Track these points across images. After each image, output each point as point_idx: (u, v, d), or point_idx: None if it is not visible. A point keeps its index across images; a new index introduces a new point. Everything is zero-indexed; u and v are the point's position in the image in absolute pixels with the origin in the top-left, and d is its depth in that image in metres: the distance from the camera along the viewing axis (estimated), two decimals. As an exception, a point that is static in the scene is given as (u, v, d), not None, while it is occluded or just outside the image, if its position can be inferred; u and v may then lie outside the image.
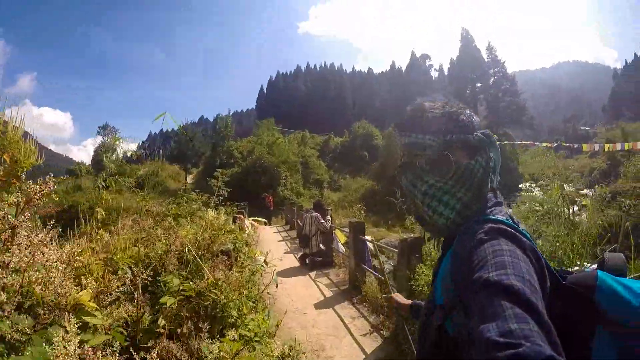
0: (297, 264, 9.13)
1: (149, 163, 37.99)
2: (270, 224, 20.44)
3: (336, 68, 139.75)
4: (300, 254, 9.24)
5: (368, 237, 7.06)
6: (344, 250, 9.09)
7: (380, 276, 6.17)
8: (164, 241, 3.71)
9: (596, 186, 26.37)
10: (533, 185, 48.57)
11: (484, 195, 1.04)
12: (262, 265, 4.88)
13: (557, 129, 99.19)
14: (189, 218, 6.00)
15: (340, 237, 9.22)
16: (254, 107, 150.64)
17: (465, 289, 0.78)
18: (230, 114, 37.93)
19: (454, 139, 1.04)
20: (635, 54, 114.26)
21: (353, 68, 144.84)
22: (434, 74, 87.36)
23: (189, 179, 35.78)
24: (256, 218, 12.41)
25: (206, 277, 3.11)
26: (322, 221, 8.87)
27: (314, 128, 60.95)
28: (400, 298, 1.79)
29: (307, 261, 8.66)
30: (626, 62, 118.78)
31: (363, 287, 6.36)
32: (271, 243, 12.59)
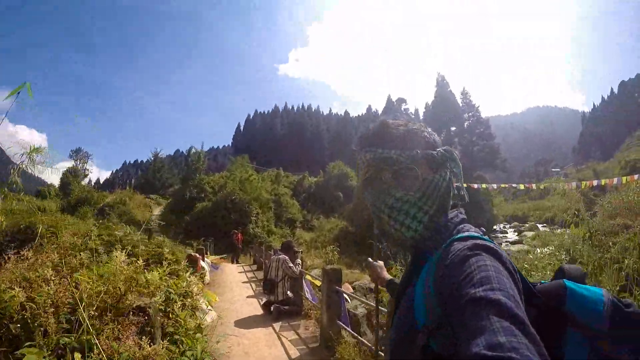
0: (260, 311, 7.85)
1: (119, 192, 36.59)
2: (237, 262, 19.10)
3: (313, 110, 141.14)
4: (265, 300, 8.00)
5: (347, 288, 5.95)
6: (317, 299, 8.01)
7: (359, 338, 5.12)
8: (52, 287, 2.56)
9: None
10: (508, 226, 49.18)
11: (448, 209, 1.08)
12: (212, 317, 3.81)
13: (528, 172, 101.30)
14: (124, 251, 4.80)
15: (314, 282, 8.10)
16: (230, 144, 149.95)
17: (452, 307, 0.78)
18: (207, 149, 37.30)
19: (419, 154, 1.06)
20: (602, 97, 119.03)
21: (330, 110, 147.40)
22: (410, 117, 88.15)
23: (157, 211, 34.48)
24: (221, 256, 11.21)
25: (97, 352, 1.95)
26: (291, 265, 7.67)
27: (289, 168, 60.32)
28: (383, 269, 1.85)
29: (272, 310, 7.38)
30: (594, 105, 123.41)
31: (337, 348, 5.21)
32: (234, 285, 11.36)
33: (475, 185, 35.92)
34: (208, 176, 37.31)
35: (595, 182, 26.54)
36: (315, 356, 5.31)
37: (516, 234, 42.74)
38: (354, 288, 15.90)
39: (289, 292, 7.58)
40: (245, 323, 6.87)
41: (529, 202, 66.68)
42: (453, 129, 66.33)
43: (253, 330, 6.41)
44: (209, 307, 6.10)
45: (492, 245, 0.88)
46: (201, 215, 27.76)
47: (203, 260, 9.88)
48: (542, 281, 1.08)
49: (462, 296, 0.74)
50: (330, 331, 5.49)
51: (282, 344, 5.79)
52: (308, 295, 7.80)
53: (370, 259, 2.09)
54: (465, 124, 64.57)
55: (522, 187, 30.25)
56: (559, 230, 39.31)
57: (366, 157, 1.10)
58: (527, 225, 48.88)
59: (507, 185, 32.64)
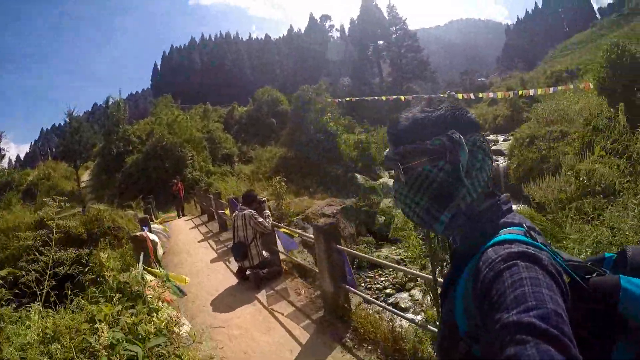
0: (233, 279, 6.61)
1: (41, 165, 32.81)
2: (184, 214, 17.55)
3: (232, 37, 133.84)
4: (238, 266, 6.62)
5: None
6: (295, 243, 6.84)
7: (386, 307, 4.19)
8: None
9: (514, 133, 27.52)
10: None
11: (467, 198, 1.04)
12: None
13: (454, 82, 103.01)
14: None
15: (291, 233, 6.87)
16: (150, 87, 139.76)
17: (489, 327, 0.75)
18: (125, 97, 33.67)
19: (401, 150, 1.09)
20: (526, 10, 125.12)
21: (250, 36, 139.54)
22: (335, 34, 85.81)
23: (86, 176, 31.20)
24: (168, 214, 9.64)
25: None
26: (260, 219, 6.28)
27: (215, 102, 57.33)
28: None
29: (250, 276, 6.20)
30: (518, 18, 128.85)
31: (353, 316, 4.29)
32: (191, 247, 9.94)
33: (412, 96, 36.12)
34: (132, 126, 34.02)
35: (532, 92, 27.37)
36: (327, 334, 4.24)
37: (450, 141, 43.51)
38: (306, 216, 15.08)
39: (264, 253, 6.33)
40: (224, 302, 5.65)
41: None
42: (380, 42, 65.37)
43: (238, 312, 5.21)
44: (180, 293, 4.77)
45: (530, 250, 0.83)
46: (133, 170, 25.21)
47: (151, 231, 8.24)
48: (608, 254, 1.06)
49: (497, 321, 0.72)
50: (340, 299, 4.42)
51: (281, 323, 4.66)
52: (281, 246, 6.65)
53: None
54: (393, 36, 63.47)
55: (460, 96, 30.26)
56: (491, 136, 41.20)
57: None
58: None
59: (446, 94, 32.57)
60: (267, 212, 6.71)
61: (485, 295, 0.80)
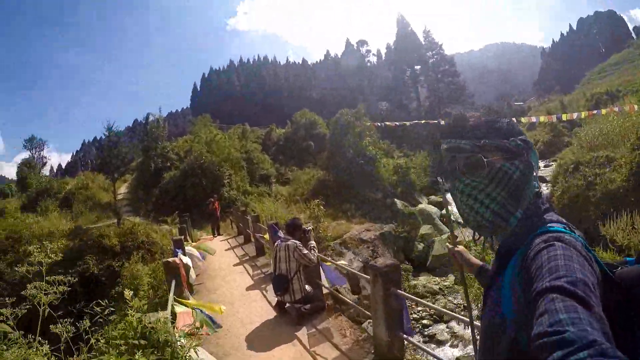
0: (270, 311, 6.10)
1: (81, 175, 33.59)
2: (219, 233, 17.28)
3: (270, 61, 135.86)
4: (276, 300, 6.05)
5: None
6: (344, 279, 6.37)
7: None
8: None
9: (557, 158, 26.63)
10: None
11: (530, 200, 1.13)
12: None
13: (491, 107, 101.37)
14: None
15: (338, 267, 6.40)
16: (189, 106, 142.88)
17: (529, 300, 0.83)
18: (165, 114, 34.40)
19: (487, 143, 1.12)
20: (561, 33, 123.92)
21: (287, 60, 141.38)
22: (373, 59, 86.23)
23: (124, 189, 31.56)
24: (204, 245, 9.33)
25: None
26: (305, 252, 5.73)
27: (253, 124, 57.90)
28: (467, 254, 1.77)
29: (290, 311, 5.62)
30: (553, 40, 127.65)
31: None
32: (226, 270, 9.51)
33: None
34: (171, 143, 34.55)
35: (575, 115, 26.43)
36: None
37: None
38: (344, 241, 14.60)
39: (307, 287, 5.82)
40: (260, 338, 5.15)
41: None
42: (417, 67, 65.01)
43: (276, 352, 4.69)
44: (214, 325, 4.36)
45: (567, 235, 0.94)
46: (170, 186, 25.45)
47: (185, 254, 7.86)
48: (628, 258, 1.11)
49: (533, 290, 0.81)
50: (394, 349, 3.92)
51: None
52: (325, 280, 6.18)
53: (448, 244, 1.87)
54: (430, 61, 63.09)
55: (523, 120, 29.45)
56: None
57: (443, 147, 1.21)
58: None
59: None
60: (313, 243, 6.15)
61: (527, 271, 0.90)
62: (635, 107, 16.61)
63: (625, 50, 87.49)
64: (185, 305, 4.10)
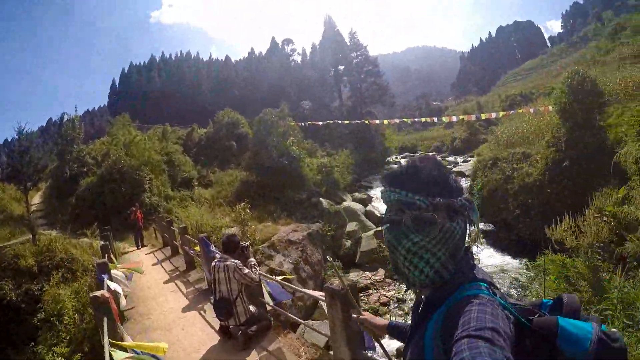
0: (213, 335, 5.77)
1: None
2: (143, 245, 16.34)
3: (192, 57, 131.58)
4: (219, 324, 5.68)
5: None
6: (287, 293, 6.14)
7: None
8: None
9: (474, 154, 28.60)
10: (399, 157, 51.12)
11: (462, 256, 1.17)
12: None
13: (410, 106, 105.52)
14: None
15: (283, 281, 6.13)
16: (107, 104, 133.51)
17: (449, 352, 0.89)
18: (80, 113, 31.60)
19: (440, 202, 1.11)
20: (480, 39, 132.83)
21: (210, 56, 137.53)
22: (297, 58, 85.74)
23: (37, 198, 28.86)
24: (132, 268, 8.62)
25: None
26: (246, 271, 5.34)
27: (174, 122, 55.74)
28: (373, 318, 1.87)
29: (237, 335, 5.35)
30: (472, 46, 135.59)
31: None
32: (157, 290, 8.84)
33: (374, 122, 36.32)
34: (87, 146, 31.74)
35: (494, 115, 28.18)
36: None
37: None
38: (272, 243, 14.39)
39: (251, 308, 5.50)
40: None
41: (414, 133, 69.92)
42: (341, 67, 65.74)
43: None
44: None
45: (485, 295, 1.03)
46: (87, 194, 23.39)
47: (111, 279, 7.07)
48: (545, 300, 1.22)
49: (459, 334, 0.89)
50: None
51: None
52: (268, 297, 5.94)
53: (354, 315, 2.01)
54: (354, 62, 64.07)
55: (444, 118, 30.63)
56: (450, 157, 42.02)
57: (390, 197, 1.18)
58: (417, 154, 50.83)
59: (410, 120, 32.99)
60: (253, 260, 5.79)
61: (449, 331, 0.96)
62: (550, 108, 17.92)
63: (539, 56, 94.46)
64: (125, 350, 3.67)
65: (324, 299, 4.15)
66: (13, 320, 9.97)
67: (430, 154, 45.54)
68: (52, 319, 7.89)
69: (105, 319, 4.12)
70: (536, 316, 1.11)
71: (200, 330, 6.05)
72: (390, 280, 13.49)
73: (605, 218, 6.22)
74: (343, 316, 3.81)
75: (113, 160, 24.32)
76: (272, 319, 5.92)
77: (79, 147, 29.06)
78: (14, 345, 9.57)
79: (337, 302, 3.84)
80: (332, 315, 3.97)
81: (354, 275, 14.32)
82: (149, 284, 9.36)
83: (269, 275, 6.46)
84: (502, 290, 1.14)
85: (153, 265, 11.66)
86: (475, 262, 1.21)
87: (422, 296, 1.24)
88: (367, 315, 1.90)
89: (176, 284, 9.02)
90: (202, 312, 6.80)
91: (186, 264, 10.45)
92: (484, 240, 16.16)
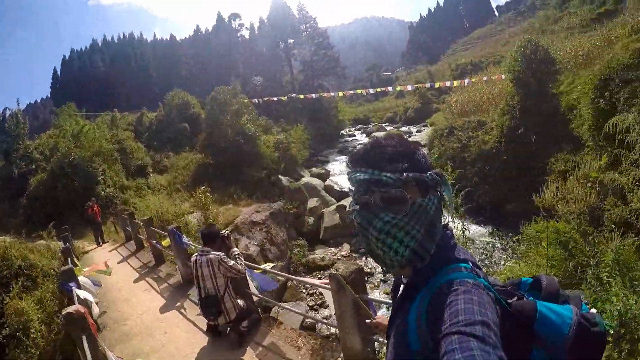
0: (200, 335, 5.40)
1: None
2: (104, 241, 15.54)
3: (136, 38, 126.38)
4: (207, 323, 5.24)
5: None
6: (274, 282, 5.87)
7: None
8: None
9: (428, 123, 29.61)
10: (352, 129, 51.20)
11: (440, 233, 1.14)
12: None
13: (361, 78, 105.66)
14: None
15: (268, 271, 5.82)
16: (49, 96, 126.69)
17: (437, 341, 0.89)
18: (22, 107, 29.33)
19: (409, 177, 1.08)
20: (429, 8, 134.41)
21: (154, 36, 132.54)
22: (246, 33, 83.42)
23: None
24: (98, 272, 8.02)
25: None
26: (231, 263, 4.92)
27: (122, 108, 53.63)
28: (385, 320, 1.78)
29: (229, 335, 5.06)
30: (421, 15, 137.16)
31: None
32: (127, 291, 8.26)
33: (328, 94, 36.04)
34: (34, 141, 29.89)
35: (448, 83, 28.47)
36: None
37: (364, 135, 44.61)
38: (236, 226, 14.05)
39: (239, 302, 5.11)
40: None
41: (366, 105, 70.10)
42: (291, 41, 64.86)
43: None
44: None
45: (470, 280, 0.99)
46: (39, 192, 22.06)
47: (80, 287, 6.37)
48: (524, 278, 1.25)
49: (440, 332, 0.88)
50: (368, 353, 3.86)
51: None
52: (254, 287, 5.61)
53: (367, 321, 1.93)
54: (304, 34, 63.31)
55: (398, 88, 30.60)
56: (404, 127, 42.36)
57: (357, 177, 1.13)
58: (371, 126, 51.08)
59: (364, 91, 32.94)
60: (236, 250, 5.35)
61: (433, 314, 0.96)
62: (502, 76, 18.21)
63: (487, 25, 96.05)
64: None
65: (328, 286, 3.93)
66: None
67: (384, 124, 46.35)
68: (17, 334, 7.22)
69: (83, 337, 3.73)
70: (515, 298, 1.11)
71: (185, 332, 5.65)
72: (356, 255, 13.45)
73: (589, 184, 6.28)
74: (353, 302, 3.60)
75: (62, 154, 23.00)
76: (261, 311, 5.66)
77: (25, 143, 27.34)
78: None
79: (346, 290, 3.61)
80: (340, 303, 3.77)
81: (319, 252, 14.08)
82: (118, 284, 8.76)
83: (255, 265, 6.10)
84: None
85: (119, 263, 10.97)
86: (455, 241, 1.18)
87: (402, 278, 1.23)
88: (380, 318, 1.86)
89: (147, 282, 8.50)
90: (182, 310, 6.41)
91: (154, 258, 9.92)
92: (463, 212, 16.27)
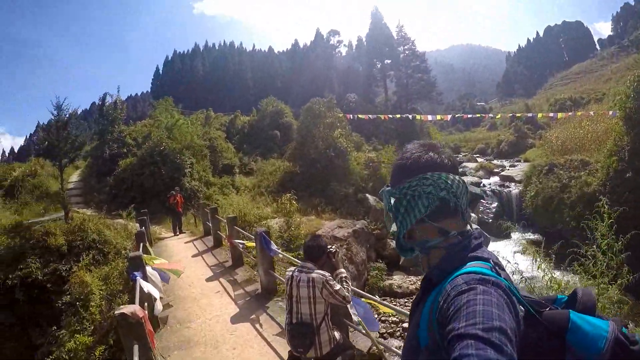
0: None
1: (31, 160, 29.90)
2: (181, 231, 15.21)
3: (236, 47, 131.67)
4: (289, 351, 3.85)
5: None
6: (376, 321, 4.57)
7: None
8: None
9: (522, 158, 28.49)
10: None
11: (467, 232, 1.17)
12: None
13: (454, 106, 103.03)
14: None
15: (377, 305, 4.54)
16: (149, 90, 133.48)
17: (445, 338, 0.87)
18: (124, 98, 30.73)
19: (427, 181, 1.15)
20: (528, 39, 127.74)
21: (253, 47, 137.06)
22: (343, 50, 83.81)
23: (75, 177, 28.15)
24: (171, 269, 7.11)
25: None
26: (337, 287, 3.60)
27: (216, 110, 55.33)
28: None
29: None
30: (519, 46, 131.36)
31: None
32: (200, 290, 7.35)
33: (423, 117, 34.58)
34: (129, 127, 31.33)
35: (552, 114, 26.30)
36: None
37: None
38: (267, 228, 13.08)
39: (336, 334, 3.77)
40: None
41: (458, 134, 67.50)
42: (388, 61, 63.89)
43: None
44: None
45: (491, 277, 0.96)
46: (126, 174, 22.49)
47: (146, 277, 5.36)
48: (560, 295, 1.16)
49: (450, 331, 0.85)
50: None
51: None
52: (358, 317, 4.30)
53: None
54: (401, 56, 62.19)
55: (499, 116, 28.92)
56: (496, 160, 39.85)
57: (389, 192, 1.24)
58: (461, 155, 48.86)
59: (457, 116, 31.16)
60: (343, 271, 3.96)
61: (446, 311, 0.92)
62: (610, 112, 17.58)
63: (588, 60, 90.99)
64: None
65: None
66: (38, 300, 9.29)
67: (475, 155, 44.08)
68: (77, 303, 7.16)
69: (136, 347, 2.67)
70: (547, 309, 1.05)
71: (259, 354, 4.50)
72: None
73: None
74: None
75: (154, 142, 23.51)
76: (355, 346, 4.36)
77: (119, 127, 28.43)
78: (38, 325, 9.21)
79: None
80: None
81: (397, 279, 13.36)
82: (189, 280, 7.94)
83: (363, 293, 4.76)
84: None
85: (193, 256, 10.30)
86: (481, 242, 1.15)
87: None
88: None
89: (221, 283, 7.57)
90: (257, 325, 5.29)
91: (232, 259, 9.05)
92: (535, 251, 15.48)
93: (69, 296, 7.56)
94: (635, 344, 0.94)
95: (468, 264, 1.04)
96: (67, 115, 16.09)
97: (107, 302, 6.96)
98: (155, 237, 13.33)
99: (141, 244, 7.73)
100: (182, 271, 6.44)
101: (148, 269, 5.50)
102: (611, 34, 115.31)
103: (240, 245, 8.36)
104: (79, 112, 18.56)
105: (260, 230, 6.48)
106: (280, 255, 6.58)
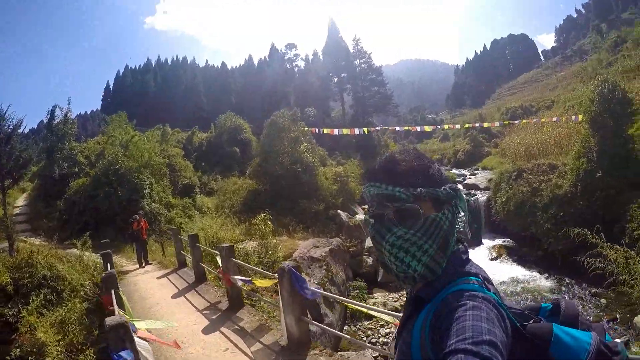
0: None
1: None
2: (147, 262, 13.47)
3: (189, 62, 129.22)
4: None
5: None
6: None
7: None
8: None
9: (480, 166, 29.39)
10: None
11: (452, 248, 1.11)
12: None
13: (405, 118, 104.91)
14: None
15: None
16: (99, 109, 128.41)
17: (437, 353, 0.90)
18: (73, 115, 28.25)
19: (423, 192, 1.07)
20: (475, 52, 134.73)
21: (206, 62, 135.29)
22: (301, 63, 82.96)
23: (22, 200, 25.86)
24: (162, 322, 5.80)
25: None
26: None
27: (171, 126, 53.55)
28: None
29: None
30: (467, 59, 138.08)
31: None
32: (200, 350, 5.51)
33: (380, 127, 34.34)
34: (80, 144, 28.90)
35: (516, 122, 26.93)
36: None
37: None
38: (294, 261, 11.90)
39: None
40: None
41: (411, 146, 68.33)
42: (344, 75, 64.01)
43: None
44: None
45: (480, 292, 0.95)
46: (78, 196, 20.48)
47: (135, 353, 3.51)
48: (544, 304, 1.17)
49: (443, 349, 0.84)
50: None
51: None
52: None
53: None
54: (357, 69, 62.47)
55: (446, 127, 29.02)
56: (454, 170, 40.28)
57: (371, 191, 1.12)
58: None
59: (411, 128, 31.20)
60: None
61: (439, 329, 0.92)
62: (573, 117, 18.85)
63: (533, 70, 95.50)
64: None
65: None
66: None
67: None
68: (30, 358, 6.12)
69: None
70: (531, 322, 1.07)
71: None
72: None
73: None
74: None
75: (109, 161, 21.60)
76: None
77: (70, 144, 25.92)
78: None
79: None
80: None
81: (379, 296, 13.24)
82: (180, 333, 6.16)
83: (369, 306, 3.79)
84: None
85: (173, 297, 8.46)
86: (468, 256, 1.14)
87: (414, 291, 1.16)
88: None
89: (226, 336, 5.86)
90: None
91: (228, 300, 7.41)
92: (504, 254, 16.83)
93: (19, 349, 6.27)
94: (617, 354, 0.95)
95: (458, 280, 1.03)
96: (11, 128, 14.38)
97: (70, 355, 5.73)
98: (118, 271, 11.77)
99: (113, 293, 5.89)
100: (174, 323, 5.15)
101: (136, 339, 3.81)
102: (555, 44, 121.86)
103: (248, 284, 6.69)
104: (25, 132, 16.84)
105: (287, 265, 5.18)
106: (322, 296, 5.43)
